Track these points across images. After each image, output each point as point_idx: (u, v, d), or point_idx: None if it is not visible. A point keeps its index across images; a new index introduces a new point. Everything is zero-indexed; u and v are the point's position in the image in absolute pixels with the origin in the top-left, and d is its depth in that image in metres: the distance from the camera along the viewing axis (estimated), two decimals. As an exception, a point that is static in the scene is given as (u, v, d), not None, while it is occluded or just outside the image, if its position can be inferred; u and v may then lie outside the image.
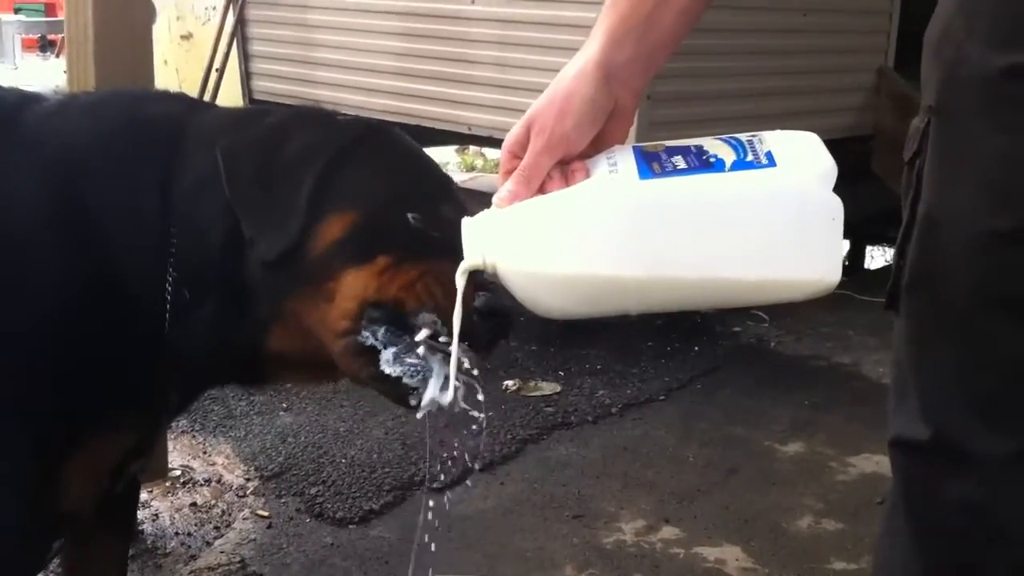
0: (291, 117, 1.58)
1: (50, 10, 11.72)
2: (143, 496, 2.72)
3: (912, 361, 1.30)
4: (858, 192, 4.81)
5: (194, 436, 3.13)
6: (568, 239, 1.13)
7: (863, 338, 4.06)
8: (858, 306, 4.35)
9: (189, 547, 2.56)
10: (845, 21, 4.98)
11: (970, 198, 1.20)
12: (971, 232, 1.20)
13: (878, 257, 5.79)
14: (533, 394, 3.51)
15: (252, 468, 2.95)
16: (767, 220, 1.14)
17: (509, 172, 1.20)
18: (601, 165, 1.17)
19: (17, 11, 10.40)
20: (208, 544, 2.58)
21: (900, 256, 1.29)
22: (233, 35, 5.55)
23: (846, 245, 5.74)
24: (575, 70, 1.20)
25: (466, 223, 1.18)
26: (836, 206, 1.16)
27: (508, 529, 2.69)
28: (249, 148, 1.46)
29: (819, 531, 2.72)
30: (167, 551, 2.54)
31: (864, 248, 5.80)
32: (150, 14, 2.53)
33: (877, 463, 3.02)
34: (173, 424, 3.06)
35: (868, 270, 5.63)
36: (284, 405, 3.36)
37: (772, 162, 1.15)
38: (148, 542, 2.57)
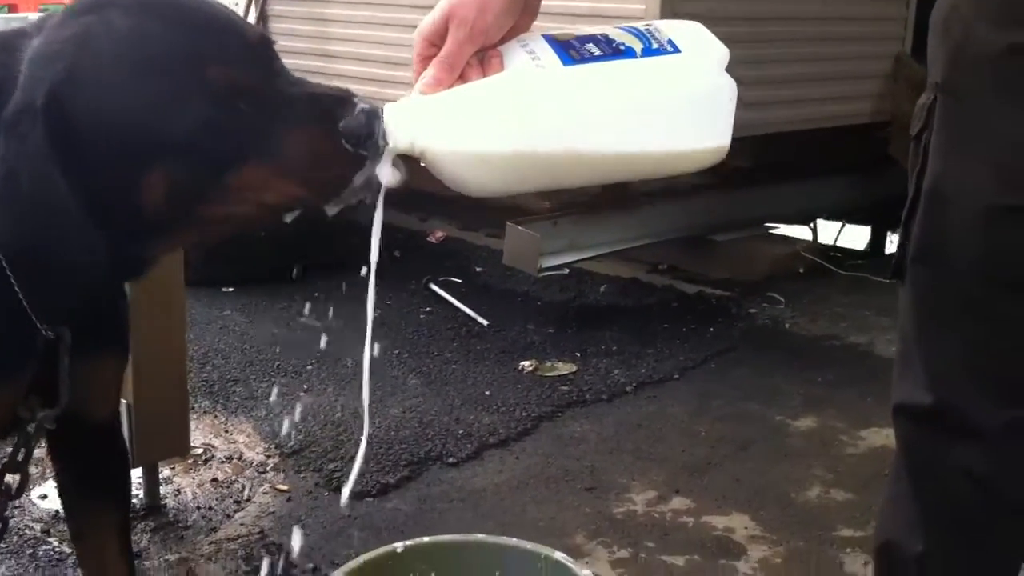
0: None
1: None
2: (165, 473, 2.79)
3: (916, 331, 1.34)
4: (879, 177, 4.85)
5: (216, 416, 3.20)
6: (501, 121, 1.23)
7: (878, 318, 4.07)
8: (873, 288, 4.39)
9: (210, 520, 2.63)
10: (862, 8, 4.98)
11: (976, 173, 1.24)
12: (976, 206, 1.23)
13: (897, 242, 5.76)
14: (549, 374, 3.55)
15: (272, 446, 3.01)
16: (675, 99, 1.28)
17: (426, 59, 1.28)
18: (518, 53, 1.27)
19: (43, 12, 10.58)
20: (228, 517, 2.65)
21: (906, 229, 1.33)
22: (255, 30, 5.63)
23: (867, 230, 5.75)
24: None
25: (390, 109, 1.25)
26: (732, 87, 1.30)
27: (521, 501, 2.74)
28: None
29: (827, 501, 2.76)
30: (188, 524, 2.61)
31: (885, 233, 5.79)
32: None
33: (887, 436, 3.01)
34: (195, 405, 3.14)
35: (886, 255, 5.62)
36: (304, 387, 3.43)
37: (676, 49, 1.28)
38: (170, 515, 2.64)
